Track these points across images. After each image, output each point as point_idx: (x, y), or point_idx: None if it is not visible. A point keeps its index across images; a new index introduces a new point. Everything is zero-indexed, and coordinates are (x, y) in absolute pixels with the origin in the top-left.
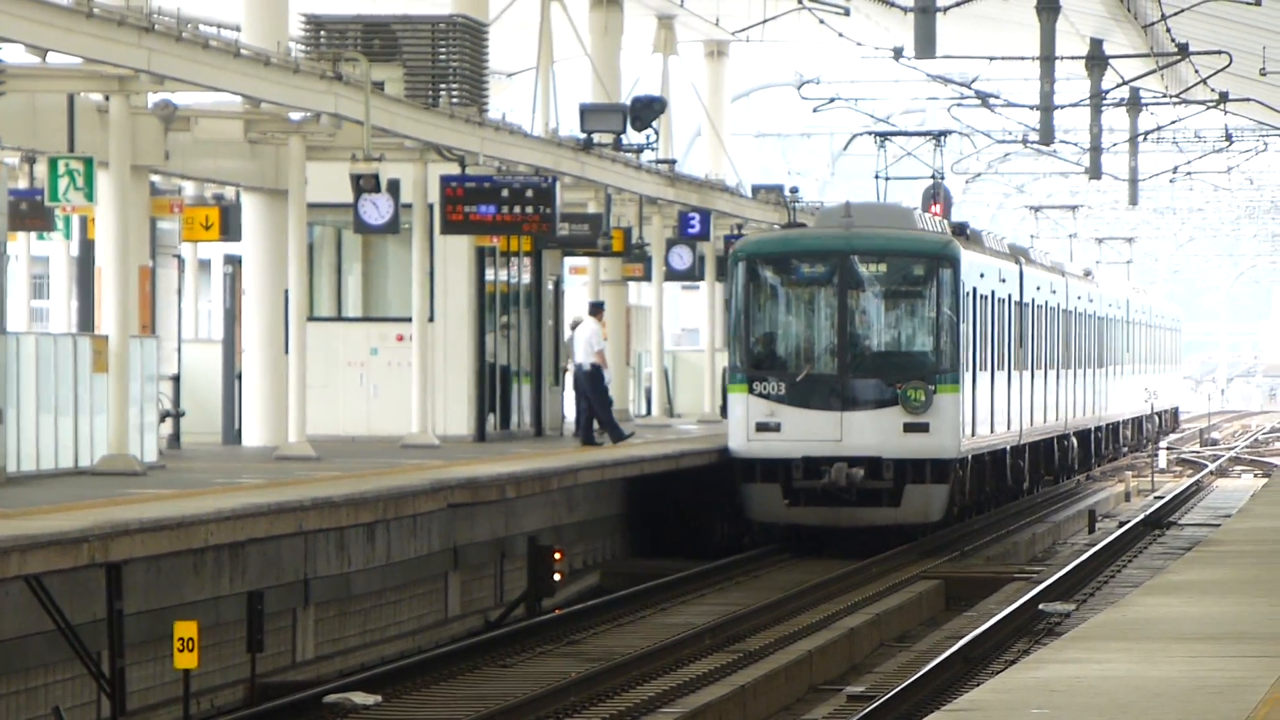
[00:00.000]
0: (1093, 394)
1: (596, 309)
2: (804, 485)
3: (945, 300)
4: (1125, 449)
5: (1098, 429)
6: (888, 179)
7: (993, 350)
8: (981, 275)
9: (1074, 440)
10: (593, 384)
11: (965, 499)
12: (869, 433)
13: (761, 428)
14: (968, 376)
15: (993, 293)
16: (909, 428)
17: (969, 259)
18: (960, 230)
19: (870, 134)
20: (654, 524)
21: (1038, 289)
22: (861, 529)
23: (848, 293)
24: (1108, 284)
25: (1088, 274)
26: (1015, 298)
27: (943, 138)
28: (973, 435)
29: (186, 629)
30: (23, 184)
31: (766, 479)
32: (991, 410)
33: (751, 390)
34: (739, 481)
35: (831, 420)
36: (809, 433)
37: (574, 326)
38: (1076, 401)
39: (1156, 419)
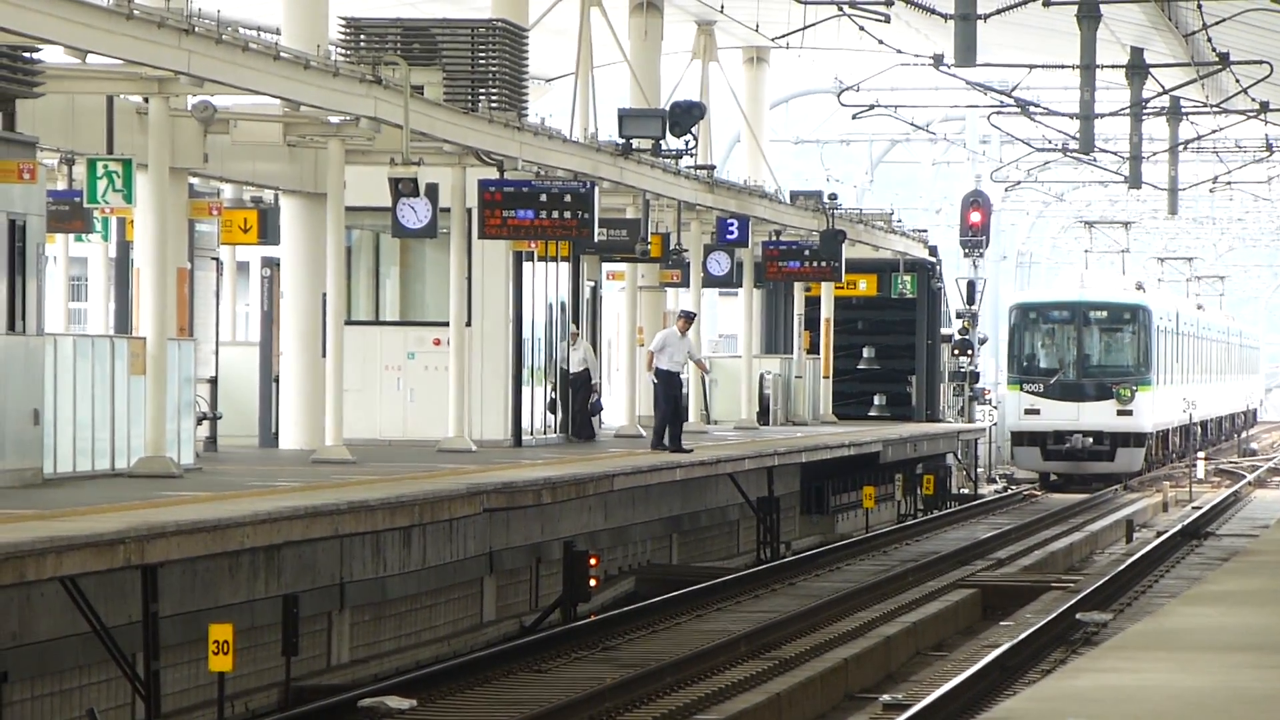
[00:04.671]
0: (1213, 395)
1: (690, 317)
2: (1054, 448)
3: (1142, 334)
4: (1224, 438)
5: (1212, 420)
6: (1089, 253)
7: (1166, 365)
8: (1160, 317)
9: (1198, 429)
10: (678, 390)
11: (1152, 458)
12: (1095, 416)
13: (1028, 412)
14: (1155, 382)
15: (1166, 328)
16: (1120, 413)
17: (1155, 307)
18: (1139, 286)
19: (1082, 222)
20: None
21: (1185, 323)
22: (1089, 475)
23: (1082, 329)
24: (1217, 314)
25: (1200, 308)
26: (1174, 329)
27: (1129, 225)
28: (1157, 419)
29: (222, 632)
30: (61, 185)
31: (1030, 444)
32: (1166, 404)
33: (1021, 388)
34: (1012, 446)
35: (1072, 408)
36: (1058, 415)
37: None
38: (1204, 400)
39: (1252, 412)
